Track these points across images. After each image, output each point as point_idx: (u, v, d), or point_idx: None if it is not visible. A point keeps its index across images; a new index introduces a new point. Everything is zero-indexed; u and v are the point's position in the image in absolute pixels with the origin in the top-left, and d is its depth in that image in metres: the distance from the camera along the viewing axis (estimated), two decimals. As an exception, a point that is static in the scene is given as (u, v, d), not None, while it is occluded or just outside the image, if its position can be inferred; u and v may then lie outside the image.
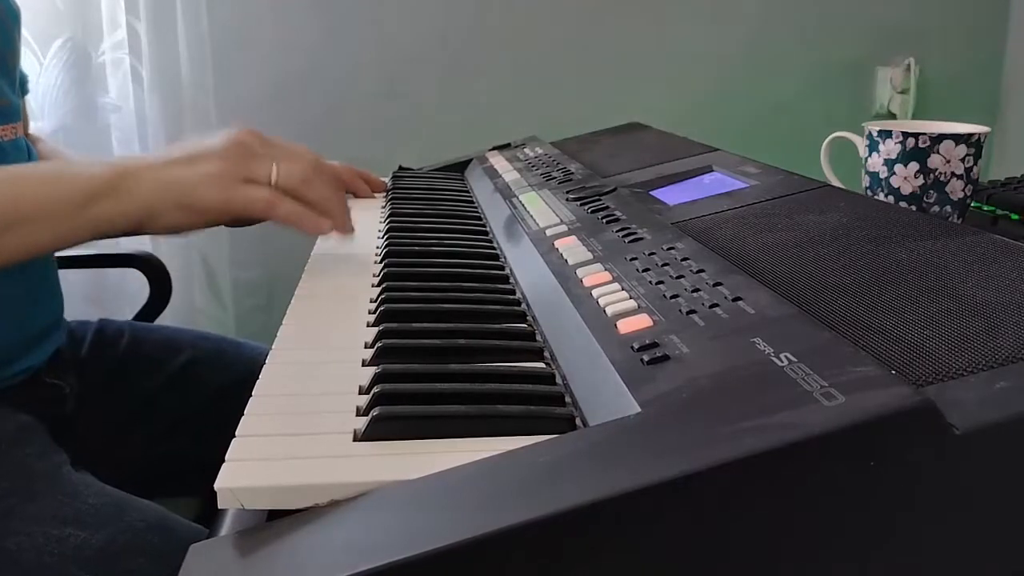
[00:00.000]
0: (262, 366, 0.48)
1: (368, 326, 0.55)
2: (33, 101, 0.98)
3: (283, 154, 0.64)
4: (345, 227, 0.67)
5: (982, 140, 0.76)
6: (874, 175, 0.79)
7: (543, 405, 0.43)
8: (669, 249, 0.56)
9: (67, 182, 0.61)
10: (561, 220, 0.70)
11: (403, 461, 0.37)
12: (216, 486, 0.35)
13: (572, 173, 0.86)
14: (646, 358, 0.41)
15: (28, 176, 0.63)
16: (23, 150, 0.79)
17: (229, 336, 1.01)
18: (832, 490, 0.32)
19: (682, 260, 0.54)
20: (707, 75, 1.58)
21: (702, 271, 0.51)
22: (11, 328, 0.76)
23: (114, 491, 0.66)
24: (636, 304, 0.48)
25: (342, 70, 1.47)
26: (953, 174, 0.76)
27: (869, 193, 0.80)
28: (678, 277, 0.51)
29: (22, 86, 0.86)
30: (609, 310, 0.48)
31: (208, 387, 0.88)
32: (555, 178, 0.85)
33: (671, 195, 0.73)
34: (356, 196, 0.95)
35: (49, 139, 0.98)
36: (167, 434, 0.87)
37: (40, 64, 1.22)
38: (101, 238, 0.62)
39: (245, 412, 0.42)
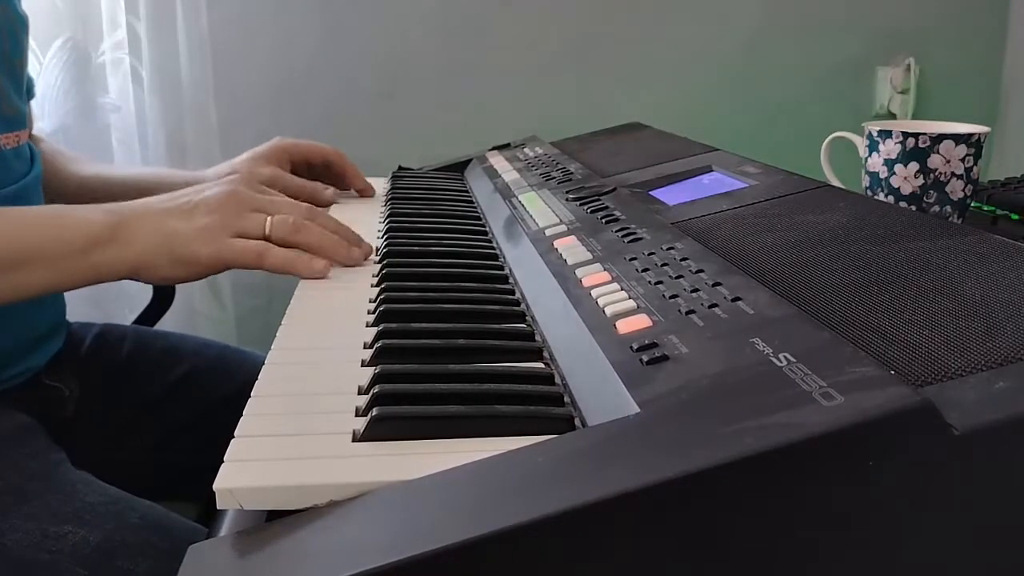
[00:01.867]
0: None
1: (367, 326, 0.55)
2: (34, 102, 0.98)
3: (275, 205, 0.66)
4: (347, 258, 0.67)
5: (982, 140, 0.76)
6: (874, 175, 0.79)
7: (542, 405, 0.43)
8: (668, 249, 0.56)
9: (68, 228, 0.62)
10: (560, 220, 0.70)
11: (402, 461, 0.37)
12: (215, 486, 0.35)
13: (572, 173, 0.86)
14: (645, 358, 0.41)
15: (30, 219, 0.64)
16: (26, 159, 0.80)
17: (231, 343, 1.01)
18: (831, 490, 0.32)
19: (681, 260, 0.54)
20: (707, 75, 1.58)
21: (701, 271, 0.51)
22: (13, 331, 0.76)
23: (113, 490, 0.66)
24: (635, 304, 0.48)
25: (342, 70, 1.47)
26: (953, 174, 0.76)
27: (869, 193, 0.80)
28: (677, 277, 0.51)
29: (28, 90, 0.86)
30: (608, 310, 0.48)
31: (210, 396, 0.88)
32: (555, 178, 0.85)
33: (671, 195, 0.73)
34: (346, 179, 0.96)
35: (50, 139, 0.98)
36: (167, 441, 0.87)
37: (40, 64, 1.22)
38: (98, 283, 0.63)
39: (244, 413, 0.42)
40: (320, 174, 0.95)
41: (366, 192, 0.97)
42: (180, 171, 1.00)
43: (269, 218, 0.64)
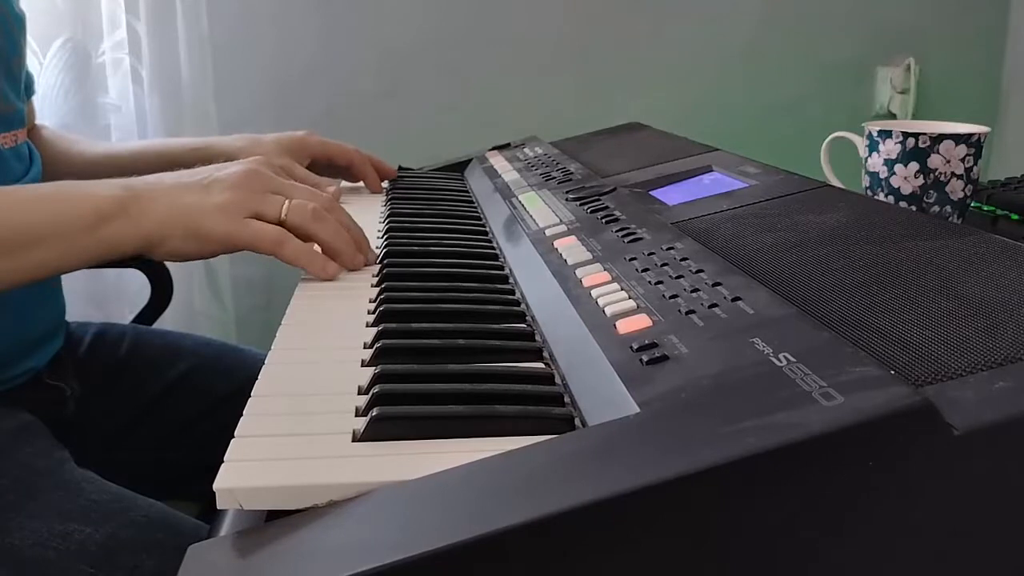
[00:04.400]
0: None
1: (367, 326, 0.54)
2: (34, 101, 0.98)
3: (296, 190, 0.64)
4: (351, 262, 0.65)
5: (982, 140, 0.76)
6: (874, 175, 0.79)
7: (542, 405, 0.43)
8: (668, 249, 0.56)
9: (77, 202, 0.60)
10: (560, 220, 0.70)
11: (402, 462, 0.37)
12: (215, 486, 0.35)
13: (572, 173, 0.86)
14: (645, 358, 0.41)
15: (37, 196, 0.62)
16: (24, 158, 0.79)
17: (230, 341, 1.01)
18: (831, 490, 0.32)
19: (681, 260, 0.54)
20: (707, 75, 1.58)
21: (701, 271, 0.51)
22: (13, 331, 0.76)
23: (117, 488, 0.66)
24: (635, 304, 0.48)
25: (342, 70, 1.47)
26: (953, 174, 0.76)
27: (869, 193, 0.80)
28: (677, 277, 0.51)
29: (28, 87, 0.86)
30: (608, 310, 0.48)
31: (209, 394, 0.88)
32: (555, 178, 0.85)
33: (671, 195, 0.73)
34: (365, 184, 0.97)
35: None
36: (168, 440, 0.87)
37: (40, 64, 1.22)
38: (108, 260, 0.61)
39: (244, 412, 0.42)
40: (340, 174, 0.97)
41: (386, 175, 0.99)
42: (188, 138, 0.99)
43: (287, 201, 0.62)
